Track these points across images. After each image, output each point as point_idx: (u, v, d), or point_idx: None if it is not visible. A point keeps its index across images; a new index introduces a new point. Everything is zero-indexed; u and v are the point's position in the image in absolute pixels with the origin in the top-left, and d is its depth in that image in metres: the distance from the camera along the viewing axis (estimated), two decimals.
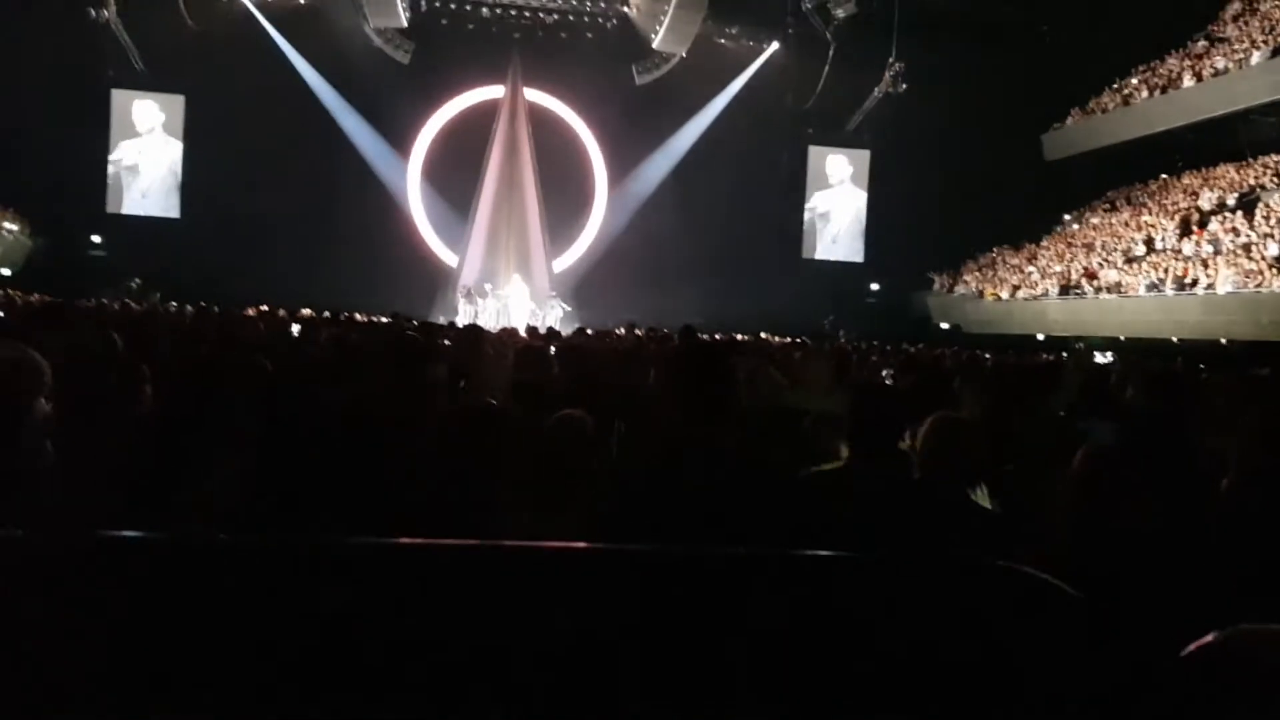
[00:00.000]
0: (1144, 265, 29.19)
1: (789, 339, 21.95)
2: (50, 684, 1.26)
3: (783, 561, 1.39)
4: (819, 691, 1.28)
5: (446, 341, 10.94)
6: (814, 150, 38.98)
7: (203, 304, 20.52)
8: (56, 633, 1.24)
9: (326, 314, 18.52)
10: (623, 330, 19.35)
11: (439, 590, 1.25)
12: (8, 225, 31.67)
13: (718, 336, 18.73)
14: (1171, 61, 33.84)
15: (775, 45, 37.04)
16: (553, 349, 8.64)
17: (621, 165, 36.65)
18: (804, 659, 1.28)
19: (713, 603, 1.28)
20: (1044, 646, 1.26)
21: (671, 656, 1.27)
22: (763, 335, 24.41)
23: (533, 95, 35.41)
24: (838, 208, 39.43)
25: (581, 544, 1.47)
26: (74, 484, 2.83)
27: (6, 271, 29.91)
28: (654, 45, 34.99)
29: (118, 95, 34.94)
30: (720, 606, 1.27)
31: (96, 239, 33.77)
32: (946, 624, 1.29)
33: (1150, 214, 32.64)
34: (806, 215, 39.35)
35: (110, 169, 35.21)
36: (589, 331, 17.30)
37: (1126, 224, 33.28)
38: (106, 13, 31.12)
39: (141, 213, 35.30)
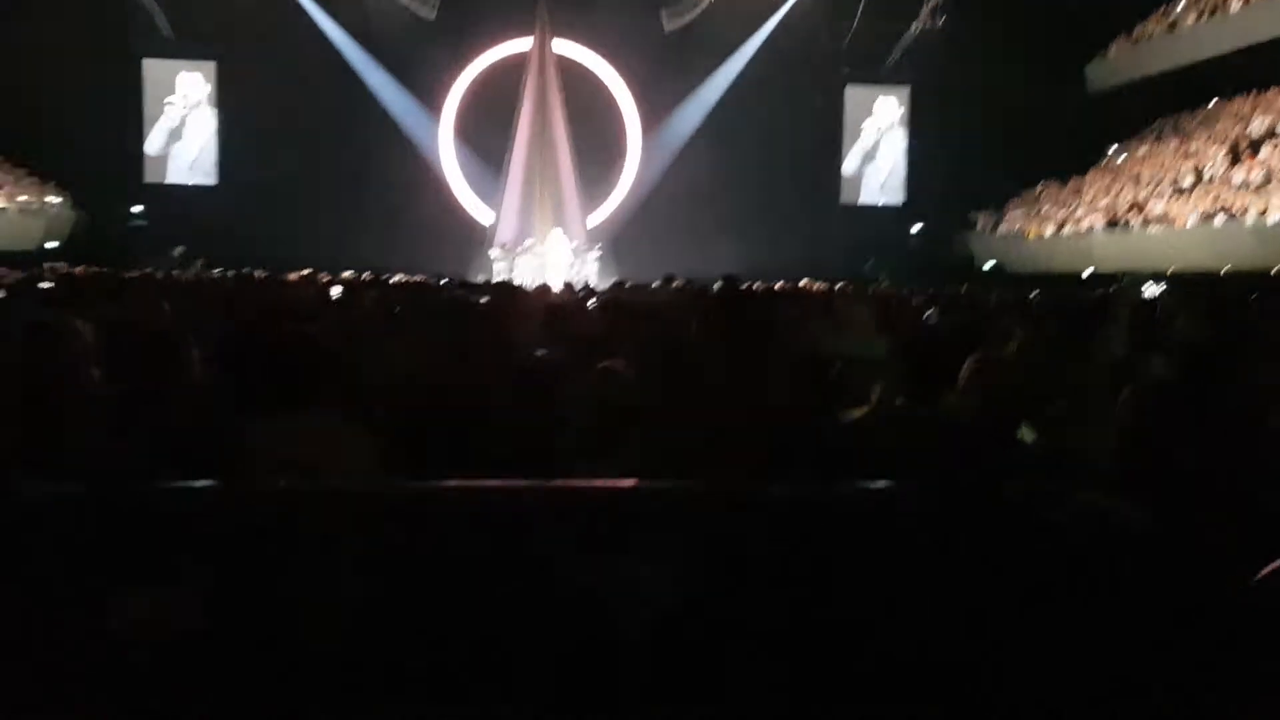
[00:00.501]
0: (1193, 196, 28.62)
1: (829, 285, 21.80)
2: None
3: (839, 495, 1.39)
4: (885, 620, 1.28)
5: (484, 299, 10.99)
6: (851, 90, 38.37)
7: (244, 271, 20.72)
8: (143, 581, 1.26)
9: (368, 276, 18.63)
10: (658, 284, 19.30)
11: (502, 530, 1.25)
12: (49, 198, 32.03)
13: (757, 285, 18.62)
14: None
15: None
16: (591, 304, 8.65)
17: (654, 114, 36.25)
18: (870, 587, 1.28)
19: (773, 537, 1.27)
20: (1117, 570, 1.25)
21: (737, 589, 1.27)
22: (802, 283, 24.24)
23: (561, 46, 35.13)
24: (876, 149, 38.89)
25: (643, 482, 1.48)
26: (127, 451, 2.87)
27: (53, 244, 30.27)
28: None
29: (149, 64, 35.03)
30: (777, 542, 1.27)
31: (137, 209, 34.04)
32: (1018, 550, 1.28)
33: (1199, 143, 31.94)
34: (844, 158, 38.85)
35: (146, 138, 35.40)
36: (627, 285, 17.28)
37: (1174, 154, 32.58)
38: None
39: (180, 181, 35.53)
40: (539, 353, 3.90)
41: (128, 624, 1.31)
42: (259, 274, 18.50)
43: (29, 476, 2.40)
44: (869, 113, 38.62)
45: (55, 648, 1.30)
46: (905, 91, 38.18)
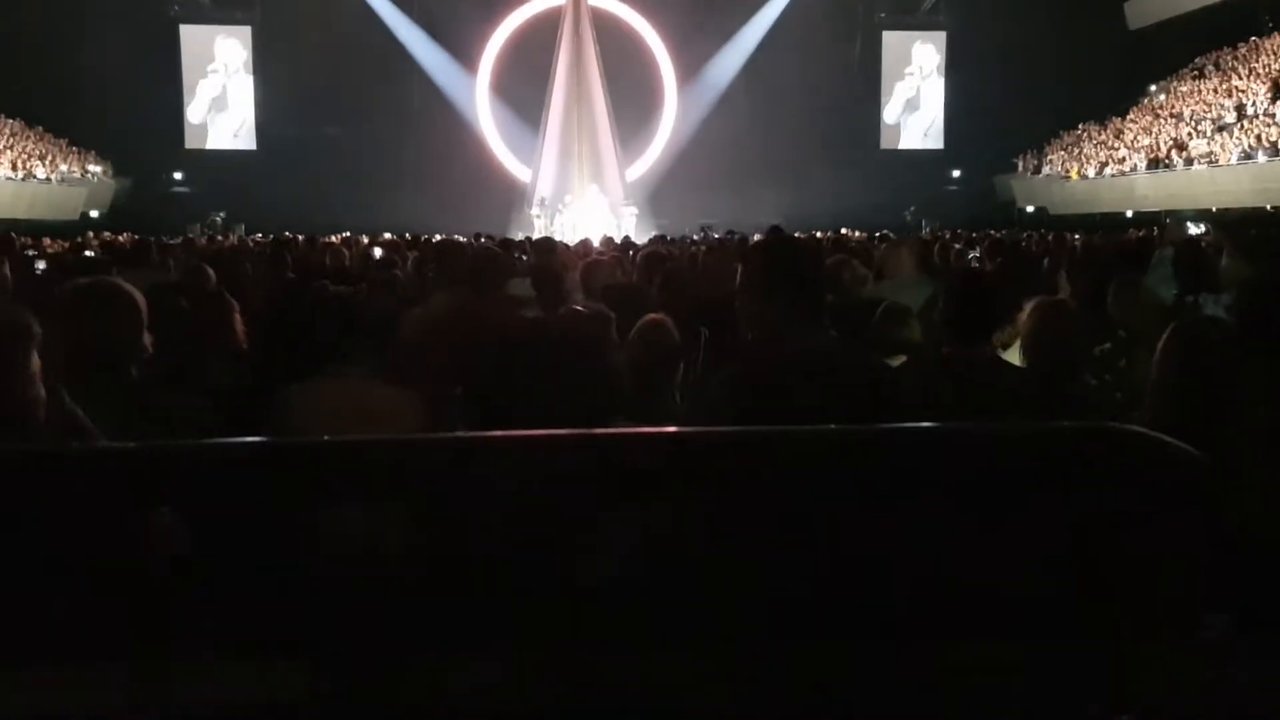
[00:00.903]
0: (1235, 133, 28.11)
1: (870, 234, 21.63)
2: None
3: (895, 436, 1.39)
4: (939, 565, 1.29)
5: (524, 256, 11.00)
6: (888, 35, 37.86)
7: (285, 235, 20.85)
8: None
9: (407, 237, 18.67)
10: (697, 236, 19.22)
11: (546, 479, 1.27)
12: (91, 167, 32.38)
13: (797, 235, 18.51)
14: None
15: None
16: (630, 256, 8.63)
17: (689, 65, 35.98)
18: (927, 533, 1.28)
19: (824, 479, 1.27)
20: (1165, 505, 1.24)
21: (770, 533, 1.28)
22: (844, 231, 24.08)
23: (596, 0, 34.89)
24: (914, 95, 38.41)
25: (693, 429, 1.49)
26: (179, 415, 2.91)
27: (95, 213, 30.63)
28: None
29: (186, 30, 35.14)
30: (831, 483, 1.27)
31: (178, 176, 34.31)
32: (1069, 487, 1.28)
33: (1240, 79, 31.29)
34: (883, 104, 38.41)
35: (186, 105, 35.60)
36: (667, 237, 17.23)
37: (1215, 91, 31.96)
38: None
39: (219, 146, 35.74)
40: (578, 307, 3.90)
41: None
42: (299, 237, 18.62)
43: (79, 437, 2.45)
44: (906, 58, 38.11)
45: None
46: (942, 36, 37.60)
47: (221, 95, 35.76)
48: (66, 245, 16.64)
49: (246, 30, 35.35)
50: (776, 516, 1.28)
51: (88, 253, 13.16)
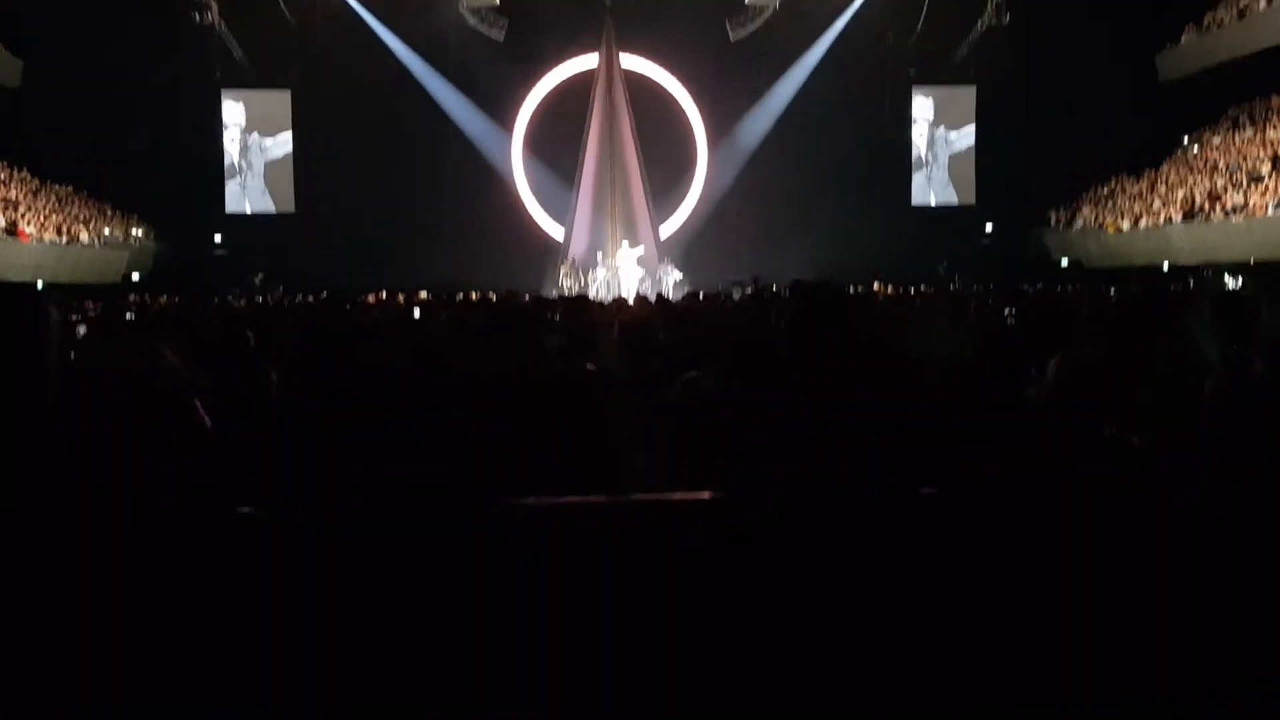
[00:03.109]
0: (1271, 184, 27.94)
1: (903, 288, 21.63)
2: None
3: (912, 499, 1.38)
4: (967, 618, 1.28)
5: (557, 317, 11.05)
6: (918, 90, 38.03)
7: (324, 295, 21.11)
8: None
9: (444, 296, 18.87)
10: (733, 292, 19.27)
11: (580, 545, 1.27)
12: (134, 231, 32.96)
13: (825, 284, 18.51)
14: None
15: None
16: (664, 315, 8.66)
17: (722, 124, 36.29)
18: (952, 587, 1.27)
19: (853, 538, 1.27)
20: (1197, 571, 1.24)
21: (814, 593, 1.28)
22: (875, 286, 24.11)
23: (628, 61, 35.35)
24: (945, 149, 38.48)
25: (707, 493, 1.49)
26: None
27: (136, 276, 31.11)
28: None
29: (227, 95, 35.82)
30: (861, 542, 1.27)
31: (218, 238, 34.82)
32: (1083, 554, 1.27)
33: (1275, 130, 31.17)
34: (914, 158, 38.50)
35: (226, 169, 36.18)
36: (700, 295, 17.29)
37: (1250, 142, 31.85)
38: (210, 15, 31.94)
39: (259, 210, 36.26)
40: (588, 366, 3.93)
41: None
42: (338, 297, 18.85)
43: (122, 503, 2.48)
44: (937, 112, 38.24)
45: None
46: (972, 90, 37.70)
47: (260, 157, 36.33)
48: (105, 308, 16.89)
49: (286, 95, 35.95)
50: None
51: (127, 315, 13.36)
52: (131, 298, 23.11)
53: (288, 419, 4.16)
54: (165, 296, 23.52)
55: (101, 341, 5.50)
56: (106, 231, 31.67)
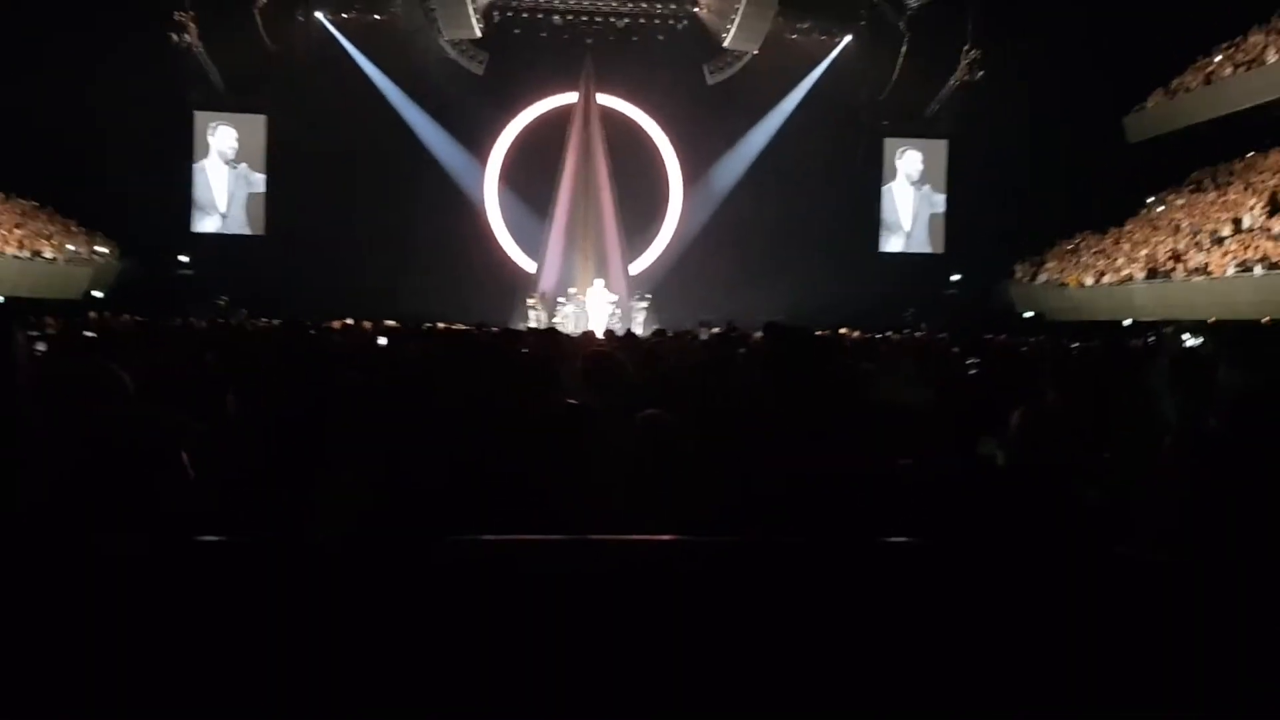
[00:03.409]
0: (1232, 246, 28.42)
1: (870, 334, 21.75)
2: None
3: (872, 550, 1.39)
4: (909, 672, 1.28)
5: (524, 349, 11.04)
6: (890, 142, 38.51)
7: (289, 319, 20.91)
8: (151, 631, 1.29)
9: (412, 326, 18.75)
10: (701, 333, 19.31)
11: (539, 582, 1.27)
12: (98, 248, 32.66)
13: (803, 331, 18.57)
14: (1255, 37, 32.84)
15: (848, 39, 36.71)
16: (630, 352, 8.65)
17: (696, 166, 36.61)
18: (897, 643, 1.27)
19: (806, 590, 1.27)
20: (1147, 625, 1.25)
21: (753, 642, 1.27)
22: (842, 331, 24.19)
23: (606, 100, 35.62)
24: (915, 200, 38.92)
25: (672, 536, 1.49)
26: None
27: (99, 294, 30.79)
28: (725, 44, 34.80)
29: (200, 117, 35.70)
30: (813, 593, 1.27)
31: (184, 259, 34.56)
32: (1038, 606, 1.28)
33: (1237, 193, 31.75)
34: (884, 207, 38.90)
35: (195, 190, 35.98)
36: (669, 333, 17.30)
37: (1213, 204, 32.42)
38: (188, 37, 31.84)
39: (227, 231, 36.04)
40: (570, 401, 3.92)
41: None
42: (299, 322, 18.67)
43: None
44: (908, 164, 38.70)
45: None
46: (943, 145, 38.24)
47: (232, 180, 36.18)
48: (65, 325, 16.66)
49: (261, 120, 35.88)
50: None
51: (86, 333, 13.19)
52: (92, 315, 22.82)
53: (247, 444, 4.12)
54: (126, 315, 23.23)
55: (60, 365, 5.43)
56: (70, 247, 31.36)
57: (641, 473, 3.53)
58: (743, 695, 1.34)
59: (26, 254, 29.14)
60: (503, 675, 1.31)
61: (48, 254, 30.05)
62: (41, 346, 9.31)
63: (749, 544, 1.44)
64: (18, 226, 30.17)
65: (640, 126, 36.61)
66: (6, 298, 25.30)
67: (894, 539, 1.54)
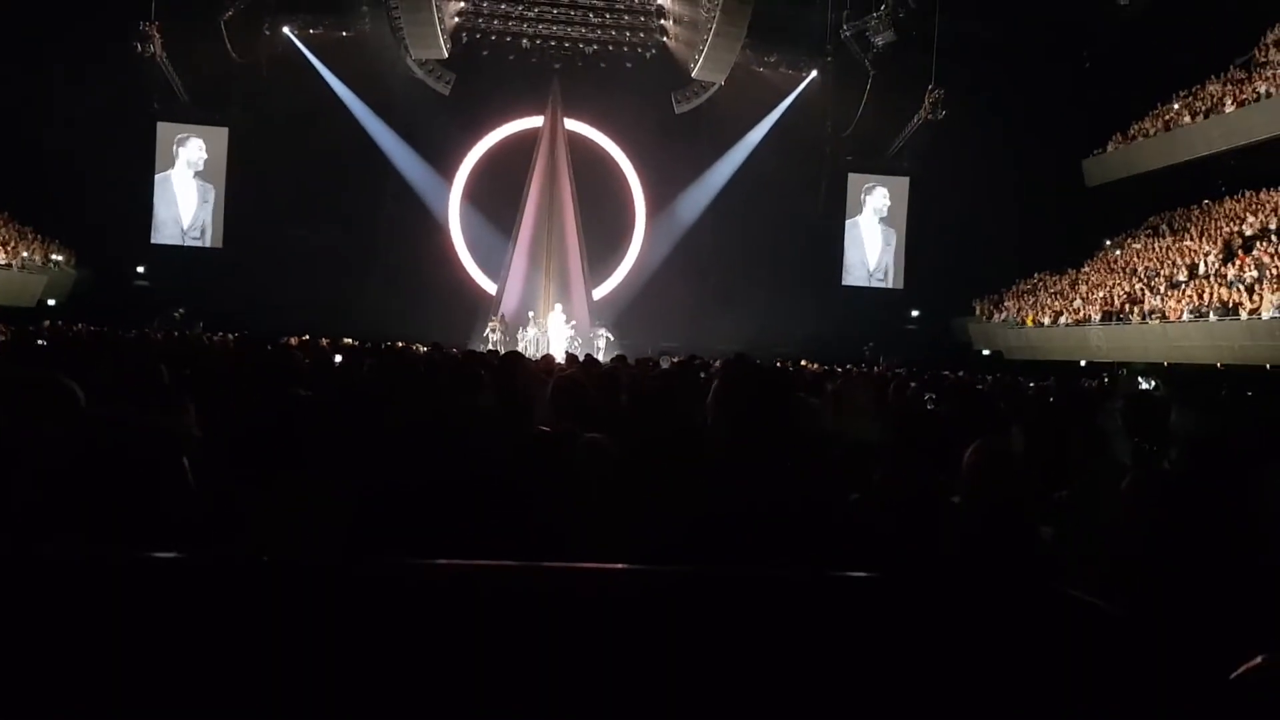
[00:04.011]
0: (1187, 291, 28.87)
1: (828, 366, 21.86)
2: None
3: (825, 583, 1.38)
4: (856, 708, 1.27)
5: (483, 372, 10.98)
6: (853, 178, 38.88)
7: (245, 333, 20.76)
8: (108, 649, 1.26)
9: (369, 344, 18.63)
10: (661, 360, 19.27)
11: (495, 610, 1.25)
12: (54, 256, 32.26)
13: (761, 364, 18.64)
14: (1212, 86, 33.53)
15: (814, 74, 37.09)
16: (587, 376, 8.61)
17: (661, 194, 36.75)
18: (845, 678, 1.27)
19: (757, 622, 1.27)
20: (1088, 667, 1.25)
21: (711, 674, 1.26)
22: (803, 363, 24.33)
23: (573, 125, 35.72)
24: (876, 235, 39.28)
25: (621, 566, 1.48)
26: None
27: (52, 302, 30.41)
28: (693, 74, 35.07)
29: (163, 128, 35.43)
30: (763, 626, 1.26)
31: (140, 269, 34.22)
32: (986, 644, 1.28)
33: (1193, 239, 32.30)
34: (846, 243, 39.20)
35: (154, 201, 35.66)
36: (629, 360, 17.27)
37: (1169, 249, 32.94)
38: (153, 47, 31.62)
39: (185, 243, 35.72)
40: (542, 427, 3.90)
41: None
42: (255, 338, 18.54)
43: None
44: (870, 199, 39.08)
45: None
46: (905, 182, 38.68)
47: (191, 192, 35.89)
48: (15, 332, 16.44)
49: (224, 132, 35.67)
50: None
51: (39, 341, 13.03)
52: (45, 324, 22.53)
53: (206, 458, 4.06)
54: (80, 324, 22.96)
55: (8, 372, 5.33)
56: (25, 255, 30.95)
57: (585, 498, 3.51)
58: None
59: None
60: (450, 699, 1.29)
61: (1, 260, 29.65)
62: None
63: (688, 573, 1.42)
64: None
65: (606, 152, 36.74)
66: None
67: (841, 572, 1.53)
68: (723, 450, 2.80)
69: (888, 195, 39.01)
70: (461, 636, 1.22)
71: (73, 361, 6.46)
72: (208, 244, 35.92)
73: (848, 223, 39.05)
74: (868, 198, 39.06)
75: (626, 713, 1.26)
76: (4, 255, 29.86)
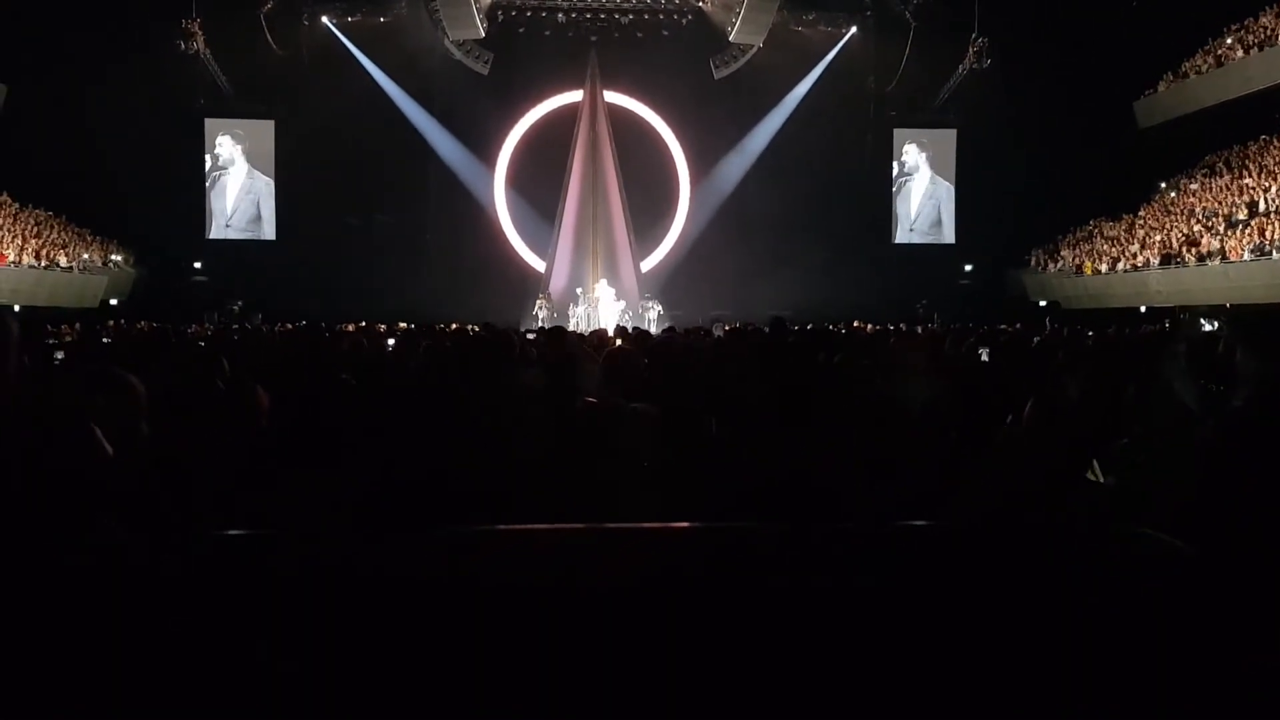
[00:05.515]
0: (1248, 230, 28.25)
1: (882, 326, 21.70)
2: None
3: (894, 534, 1.37)
4: (937, 661, 1.25)
5: (533, 350, 11.01)
6: (899, 133, 38.34)
7: (301, 323, 21.02)
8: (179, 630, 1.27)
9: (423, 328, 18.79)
10: (713, 328, 19.26)
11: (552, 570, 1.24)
12: (113, 256, 32.84)
13: (809, 327, 18.57)
14: (1265, 18, 32.60)
15: (853, 29, 36.57)
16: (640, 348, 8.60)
17: (704, 160, 36.50)
18: (924, 630, 1.25)
19: (827, 575, 1.25)
20: (1167, 608, 1.22)
21: (776, 625, 1.25)
22: (855, 324, 24.18)
23: (612, 96, 35.58)
24: (925, 189, 38.75)
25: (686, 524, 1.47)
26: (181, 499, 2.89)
27: (115, 301, 30.98)
28: (730, 38, 34.78)
29: (210, 124, 35.80)
30: (837, 579, 1.25)
31: (198, 265, 34.71)
32: (1069, 589, 1.25)
33: (1251, 176, 31.55)
34: (895, 199, 38.75)
35: (207, 196, 36.11)
36: (679, 330, 17.25)
37: (1227, 188, 32.22)
38: (196, 44, 31.93)
39: (239, 237, 36.14)
40: (587, 399, 3.90)
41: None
42: (317, 326, 18.76)
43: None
44: (918, 153, 38.55)
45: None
46: (952, 134, 38.06)
47: (243, 185, 36.28)
48: (81, 332, 16.79)
49: (269, 125, 35.97)
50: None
51: (104, 340, 13.30)
52: (110, 323, 22.98)
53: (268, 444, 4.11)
54: (142, 322, 23.39)
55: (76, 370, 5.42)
56: (85, 256, 31.54)
57: (633, 465, 3.51)
58: (738, 691, 1.31)
59: (42, 264, 29.35)
60: (501, 670, 1.28)
61: (63, 263, 30.25)
62: (60, 355, 9.35)
63: (745, 529, 1.40)
64: (34, 237, 30.38)
65: (647, 123, 36.55)
66: (23, 306, 25.44)
67: (901, 524, 1.51)
68: (770, 416, 2.78)
69: (933, 149, 38.43)
70: (527, 601, 1.22)
71: (136, 359, 6.55)
72: (261, 236, 36.30)
73: (894, 179, 38.56)
74: (910, 152, 38.52)
75: (698, 671, 1.26)
76: (65, 258, 30.45)
